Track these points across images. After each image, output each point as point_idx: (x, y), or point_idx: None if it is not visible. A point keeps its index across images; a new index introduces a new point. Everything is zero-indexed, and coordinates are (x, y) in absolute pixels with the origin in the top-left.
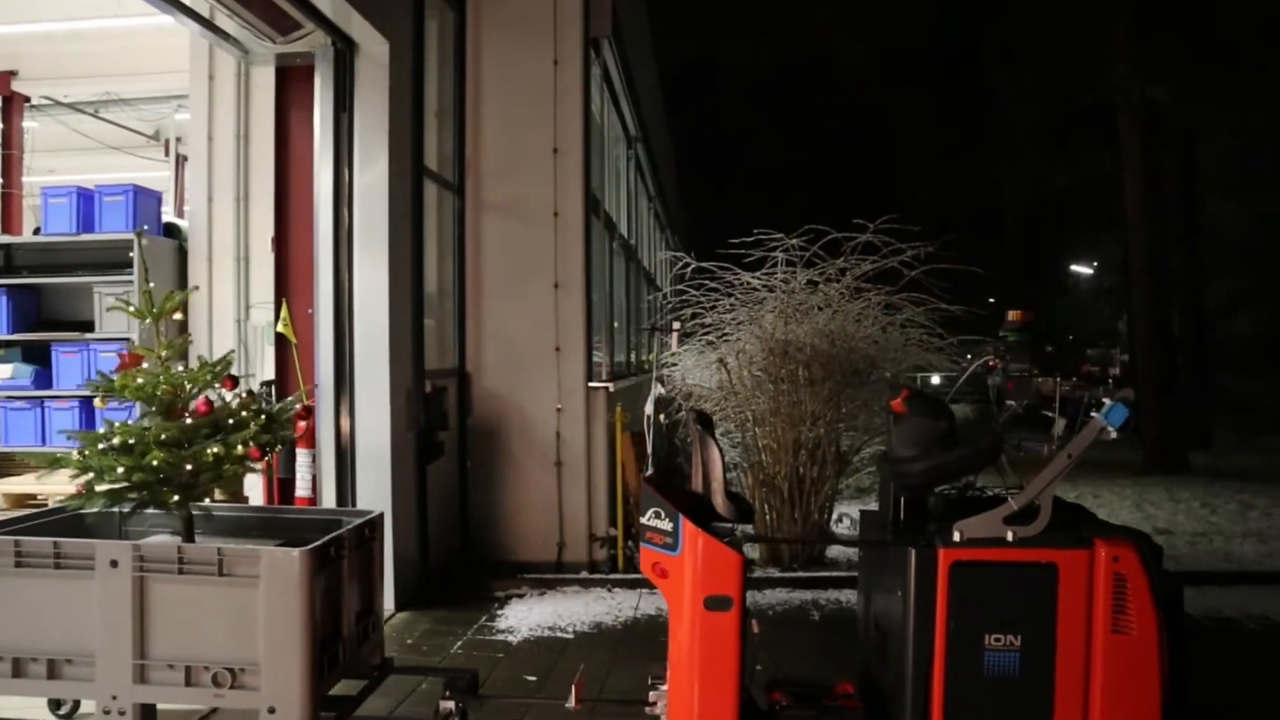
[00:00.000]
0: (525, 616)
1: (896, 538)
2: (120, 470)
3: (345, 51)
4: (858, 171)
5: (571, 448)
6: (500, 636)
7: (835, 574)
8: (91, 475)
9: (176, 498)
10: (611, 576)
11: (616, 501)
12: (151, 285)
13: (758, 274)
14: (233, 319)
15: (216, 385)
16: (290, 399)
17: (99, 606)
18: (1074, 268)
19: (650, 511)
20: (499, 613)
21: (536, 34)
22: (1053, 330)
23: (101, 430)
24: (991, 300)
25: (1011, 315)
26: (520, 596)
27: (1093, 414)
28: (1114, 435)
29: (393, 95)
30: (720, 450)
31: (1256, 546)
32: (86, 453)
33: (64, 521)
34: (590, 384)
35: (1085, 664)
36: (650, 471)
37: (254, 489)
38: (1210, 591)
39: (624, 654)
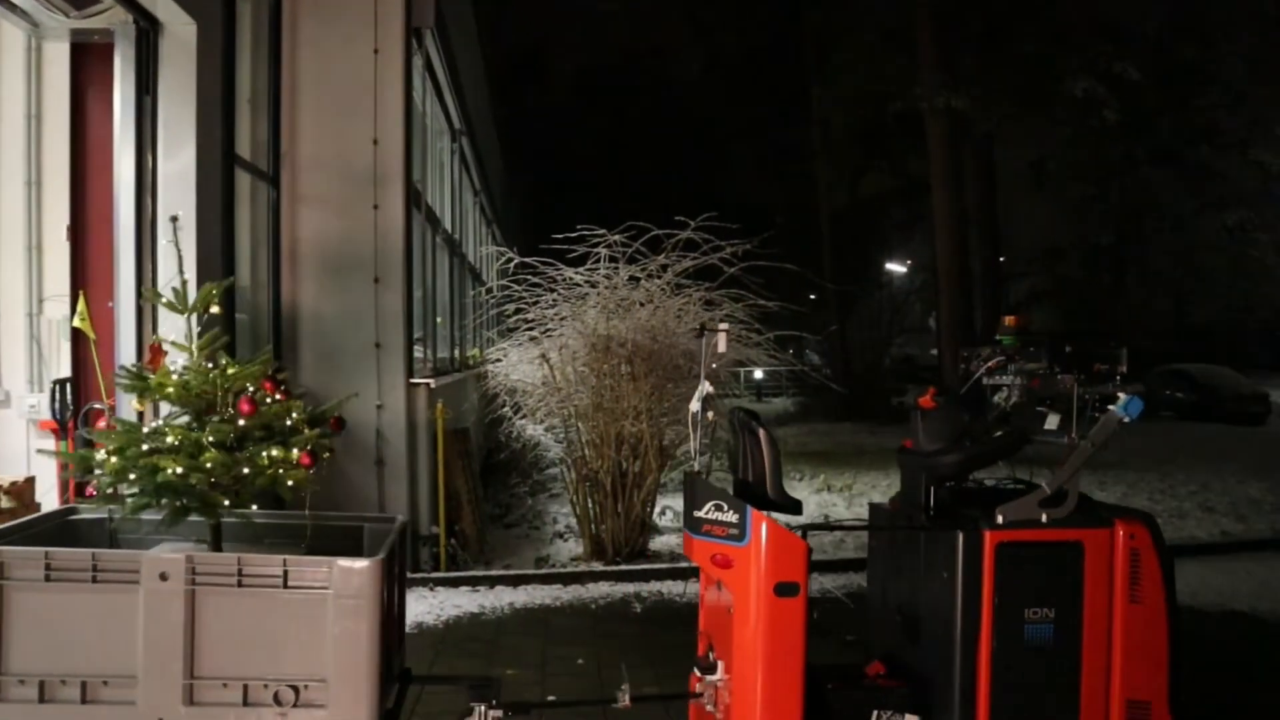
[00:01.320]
0: None
1: (937, 523)
2: (171, 472)
3: (149, 30)
4: (683, 169)
5: (393, 446)
6: None
7: (658, 566)
8: (134, 477)
9: (227, 503)
10: (434, 575)
11: (439, 500)
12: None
13: (581, 269)
14: (23, 312)
15: (249, 385)
16: (330, 405)
17: (143, 623)
18: (888, 266)
19: (710, 505)
20: None
21: (356, 22)
22: (877, 326)
23: (147, 429)
24: (812, 297)
25: (1007, 320)
26: None
27: (1110, 406)
28: (1127, 422)
29: (201, 79)
30: (777, 446)
31: None
32: (127, 452)
33: (52, 530)
34: (412, 380)
35: (1108, 631)
36: (698, 469)
37: (48, 494)
38: None
39: (444, 653)
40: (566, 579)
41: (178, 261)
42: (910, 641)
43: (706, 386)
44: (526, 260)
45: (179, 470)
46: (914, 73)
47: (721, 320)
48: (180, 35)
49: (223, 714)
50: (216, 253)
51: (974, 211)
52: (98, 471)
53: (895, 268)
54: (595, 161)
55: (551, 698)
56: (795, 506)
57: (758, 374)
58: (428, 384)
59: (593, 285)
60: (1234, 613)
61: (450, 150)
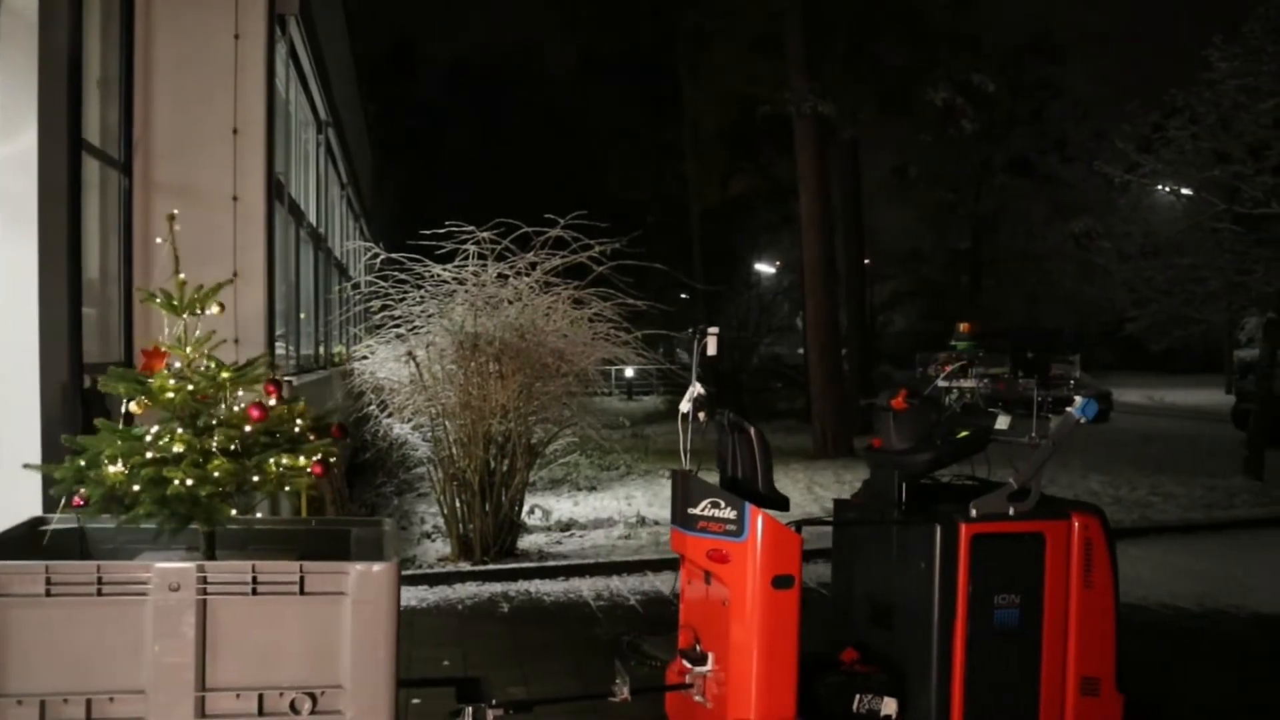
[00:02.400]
0: None
1: (920, 516)
2: (179, 483)
3: None
4: (556, 166)
5: None
6: None
7: (526, 565)
8: (138, 488)
9: (234, 512)
10: None
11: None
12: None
13: (449, 266)
14: None
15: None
16: (326, 410)
17: (152, 635)
18: (757, 266)
19: (705, 502)
20: None
21: (216, 5)
22: (745, 325)
23: (150, 435)
24: (683, 296)
25: (961, 327)
26: None
27: (1068, 409)
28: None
29: (44, 58)
30: (768, 445)
31: None
32: (131, 463)
33: (19, 542)
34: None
35: (1065, 614)
36: (689, 468)
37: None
38: None
39: None
40: (433, 579)
41: (174, 260)
42: (883, 629)
43: (697, 388)
44: (394, 256)
45: (189, 482)
46: (783, 77)
47: (590, 319)
48: (19, 9)
49: None
50: (61, 242)
51: (840, 214)
52: (85, 481)
53: (764, 268)
54: (467, 157)
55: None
56: (784, 502)
57: (628, 372)
58: (289, 382)
59: (461, 282)
60: None
61: (316, 142)
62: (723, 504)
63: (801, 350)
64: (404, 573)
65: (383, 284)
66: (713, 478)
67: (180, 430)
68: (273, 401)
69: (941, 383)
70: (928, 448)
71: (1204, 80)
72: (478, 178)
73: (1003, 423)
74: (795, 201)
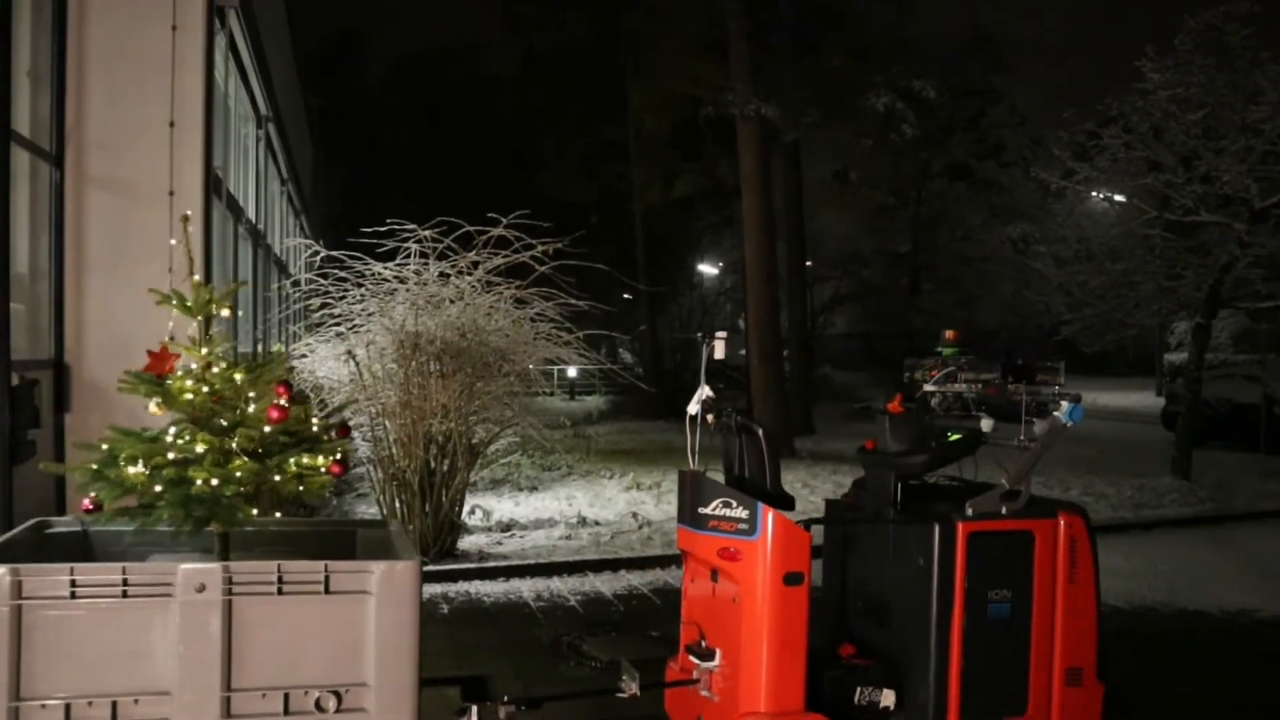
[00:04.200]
0: None
1: (911, 516)
2: (203, 483)
3: None
4: (500, 165)
5: None
6: None
7: (466, 566)
8: (159, 489)
9: (255, 512)
10: None
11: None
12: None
13: (390, 265)
14: None
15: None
16: (333, 408)
17: (179, 636)
18: (700, 267)
19: (717, 501)
20: None
21: None
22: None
23: (171, 436)
24: (626, 296)
25: (947, 334)
26: None
27: (1055, 413)
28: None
29: None
30: (776, 446)
31: None
32: (153, 463)
33: (25, 546)
34: None
35: (1051, 607)
36: (698, 468)
37: None
38: None
39: None
40: None
41: (188, 262)
42: (878, 624)
43: (706, 390)
44: (334, 254)
45: (214, 481)
46: (726, 79)
47: (532, 318)
48: None
49: None
50: None
51: (782, 216)
52: (103, 482)
53: (707, 269)
54: (410, 155)
55: None
56: (790, 502)
57: (571, 372)
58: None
59: (402, 281)
60: None
61: (256, 137)
62: (735, 503)
63: (744, 351)
64: None
65: (323, 282)
66: (715, 477)
67: (201, 431)
68: (283, 402)
69: (930, 387)
70: (923, 450)
71: (1137, 90)
72: (420, 176)
73: (986, 425)
74: (738, 203)
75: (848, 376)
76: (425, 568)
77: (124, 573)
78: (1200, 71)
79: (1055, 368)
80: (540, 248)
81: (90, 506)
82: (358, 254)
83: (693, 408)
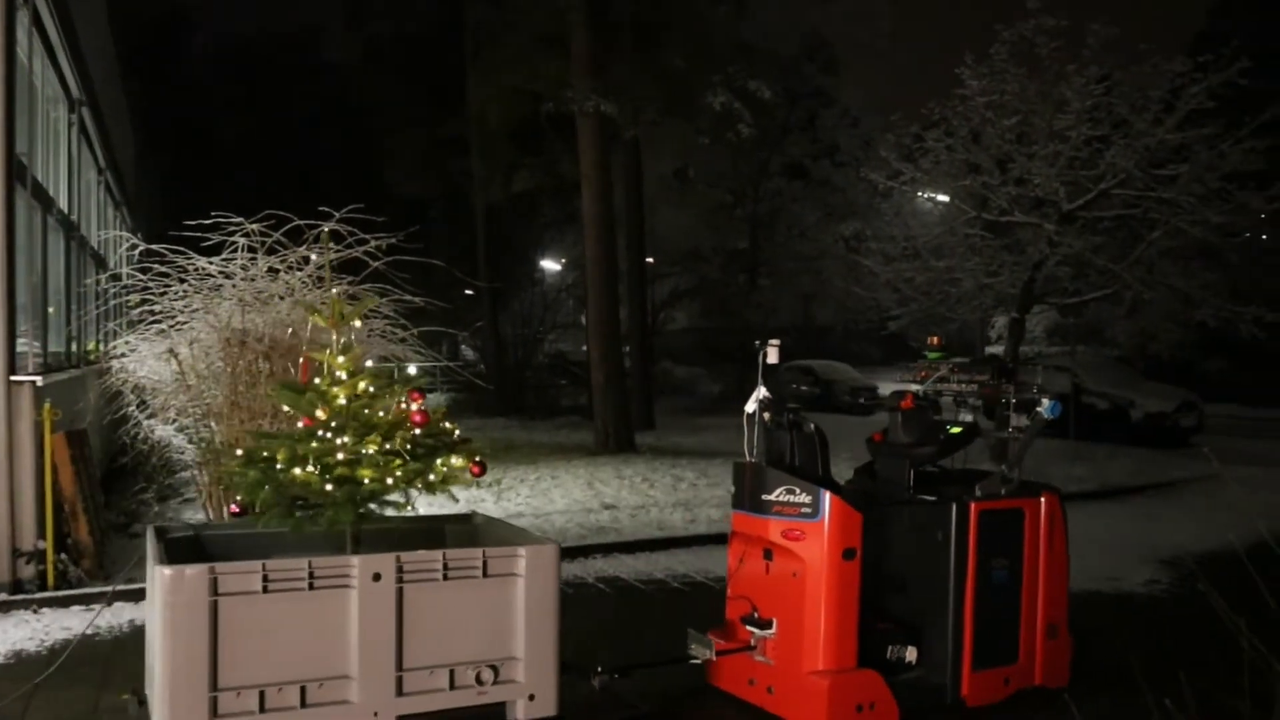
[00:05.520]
0: None
1: (943, 496)
2: (373, 480)
3: None
4: (337, 158)
5: None
6: None
7: None
8: (330, 488)
9: (408, 506)
10: (38, 596)
11: (46, 510)
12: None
13: (216, 259)
14: None
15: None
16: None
17: (358, 622)
18: (542, 263)
19: (781, 489)
20: None
21: None
22: (529, 322)
23: (340, 442)
24: (468, 292)
25: (932, 340)
26: None
27: (1037, 409)
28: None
29: None
30: (825, 438)
31: (683, 515)
32: (323, 463)
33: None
34: (13, 378)
35: (1036, 572)
36: (756, 460)
37: None
38: (644, 556)
39: (48, 683)
40: None
41: (328, 271)
42: (896, 591)
43: (762, 390)
44: (155, 248)
45: (381, 480)
46: (567, 75)
47: (366, 315)
48: None
49: (430, 700)
50: None
51: (622, 213)
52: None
53: (549, 265)
54: (241, 146)
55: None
56: (838, 487)
57: (411, 369)
58: (34, 381)
59: (228, 276)
60: None
61: (68, 121)
62: (798, 490)
63: (585, 347)
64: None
65: (143, 277)
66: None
67: (356, 436)
68: (415, 406)
69: (925, 388)
70: (932, 441)
71: (958, 96)
72: (252, 168)
73: (965, 417)
74: (580, 199)
75: (687, 371)
76: None
77: (310, 566)
78: (1014, 80)
79: (1035, 369)
80: (374, 243)
81: (238, 510)
82: (181, 248)
83: (750, 406)
